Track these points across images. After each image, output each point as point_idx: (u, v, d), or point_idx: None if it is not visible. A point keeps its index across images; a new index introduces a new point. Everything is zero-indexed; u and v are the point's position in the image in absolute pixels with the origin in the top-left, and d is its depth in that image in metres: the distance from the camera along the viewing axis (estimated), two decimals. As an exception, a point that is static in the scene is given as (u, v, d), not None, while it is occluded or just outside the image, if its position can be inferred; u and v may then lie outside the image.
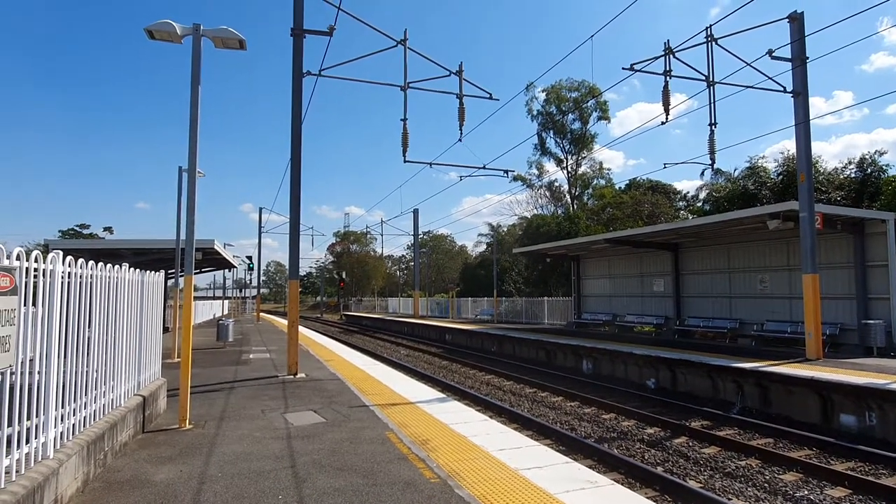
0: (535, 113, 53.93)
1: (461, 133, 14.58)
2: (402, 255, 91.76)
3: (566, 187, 56.23)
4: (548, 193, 57.38)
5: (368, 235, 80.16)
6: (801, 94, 14.11)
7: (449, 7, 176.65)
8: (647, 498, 5.37)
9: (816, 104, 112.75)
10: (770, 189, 28.96)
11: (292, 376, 11.76)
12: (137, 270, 7.08)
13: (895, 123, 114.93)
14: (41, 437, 4.33)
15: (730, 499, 6.97)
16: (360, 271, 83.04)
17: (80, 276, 5.22)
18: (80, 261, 5.19)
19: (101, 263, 5.76)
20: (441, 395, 10.23)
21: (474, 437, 6.77)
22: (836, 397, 10.43)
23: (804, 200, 13.84)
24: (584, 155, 54.18)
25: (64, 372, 4.81)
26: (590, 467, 6.75)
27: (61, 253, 4.71)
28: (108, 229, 66.43)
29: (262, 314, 47.74)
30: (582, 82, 51.99)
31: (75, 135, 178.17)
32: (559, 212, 53.58)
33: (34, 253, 4.24)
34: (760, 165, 31.72)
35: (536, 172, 55.45)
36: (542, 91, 53.01)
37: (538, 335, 22.49)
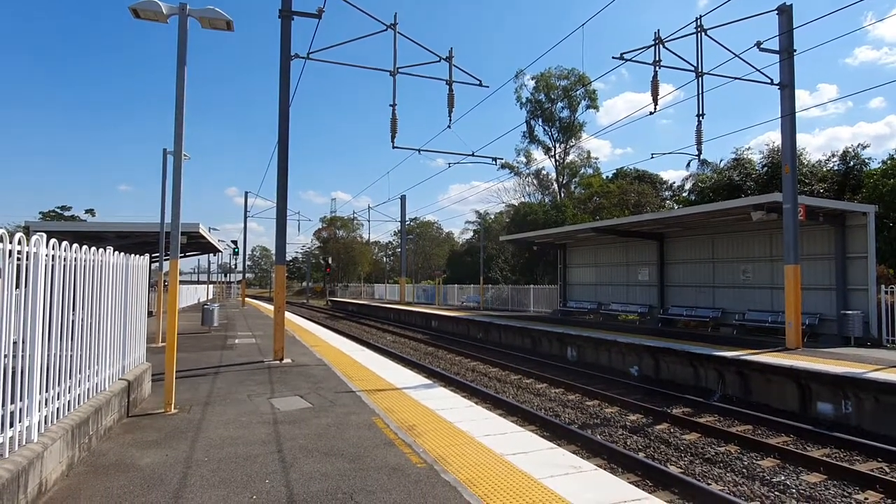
0: (524, 100, 53.89)
1: (450, 120, 14.54)
2: (389, 242, 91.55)
3: (554, 175, 56.37)
4: (535, 181, 57.54)
5: (355, 221, 79.81)
6: (787, 87, 14.23)
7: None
8: (629, 483, 5.47)
9: (801, 97, 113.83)
10: (755, 180, 29.26)
11: (278, 361, 11.74)
12: (122, 254, 7.00)
13: (878, 117, 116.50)
14: (25, 421, 4.30)
15: (709, 484, 7.12)
16: (347, 257, 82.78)
17: (65, 259, 5.16)
18: (65, 243, 5.13)
19: (84, 246, 5.69)
20: (427, 381, 10.30)
21: (460, 422, 6.83)
22: (813, 386, 10.66)
23: (788, 192, 14.01)
24: (572, 143, 54.28)
25: (48, 355, 4.76)
26: (573, 453, 6.86)
27: (45, 235, 4.64)
28: (90, 212, 65.17)
29: (247, 299, 47.51)
30: (571, 70, 52.00)
31: (57, 115, 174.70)
32: (546, 200, 53.75)
33: (17, 235, 4.18)
34: (746, 157, 32.04)
35: (524, 160, 55.58)
36: (532, 79, 52.95)
37: (524, 322, 22.64)
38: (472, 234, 68.40)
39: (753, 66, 14.28)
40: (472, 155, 17.42)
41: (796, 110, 14.25)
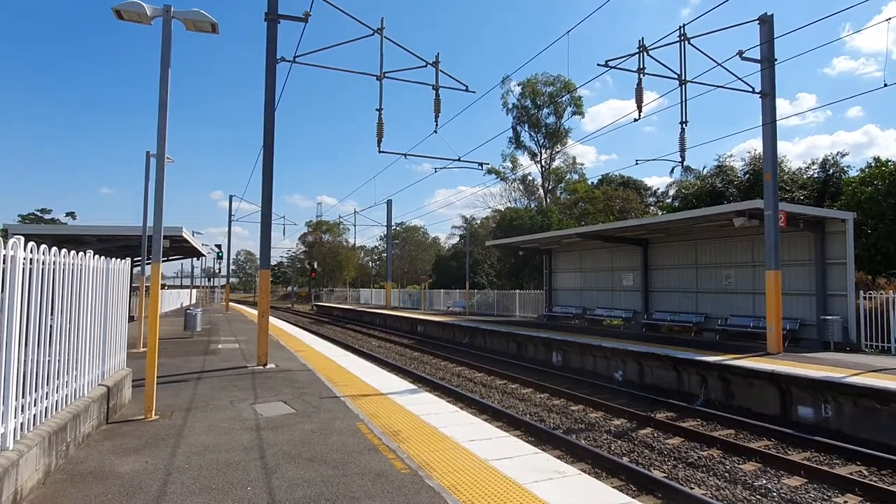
0: (510, 106, 54.27)
1: (437, 124, 14.54)
2: (375, 246, 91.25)
3: (540, 181, 56.70)
4: (521, 187, 57.84)
5: (341, 225, 79.55)
6: (768, 95, 14.45)
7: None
8: (613, 487, 5.49)
9: (781, 105, 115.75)
10: (737, 187, 29.64)
11: (262, 367, 11.64)
12: (102, 258, 6.90)
13: (855, 126, 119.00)
14: (0, 428, 4.21)
15: (692, 488, 7.17)
16: (333, 261, 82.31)
17: (43, 263, 5.07)
18: (43, 247, 5.04)
19: (64, 250, 5.60)
20: (412, 386, 10.26)
21: (445, 427, 6.82)
22: (794, 390, 10.80)
23: (769, 199, 14.22)
24: (557, 149, 54.67)
25: (25, 360, 4.67)
26: (558, 458, 6.87)
27: (23, 238, 4.56)
28: (71, 214, 64.33)
29: (231, 304, 47.07)
30: (557, 77, 52.46)
31: (37, 117, 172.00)
32: (532, 205, 53.98)
33: (-6, 238, 4.10)
34: (728, 164, 32.43)
35: (510, 166, 55.90)
36: (518, 85, 53.30)
37: (509, 327, 22.68)
38: (458, 238, 68.44)
39: (735, 75, 14.50)
40: (459, 160, 17.45)
41: (777, 119, 14.48)
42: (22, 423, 4.61)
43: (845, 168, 28.54)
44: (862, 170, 25.43)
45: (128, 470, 5.17)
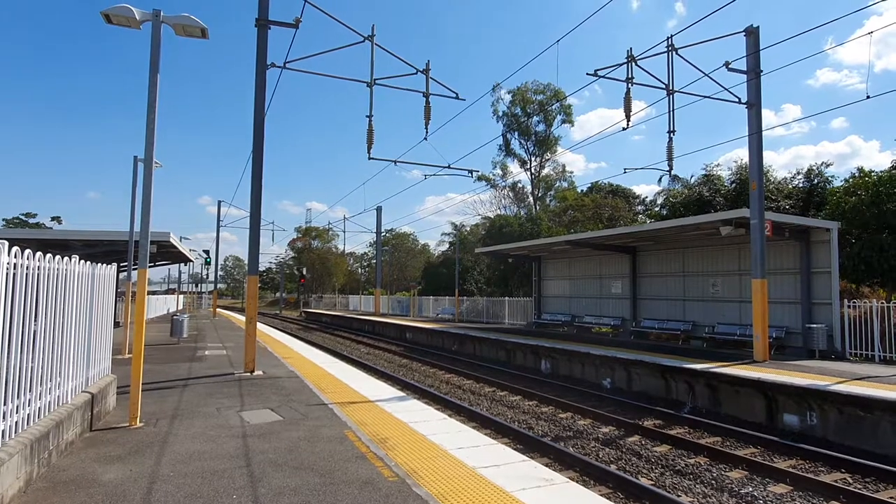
0: (500, 114, 54.46)
1: (427, 132, 14.57)
2: (365, 253, 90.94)
3: (529, 188, 56.91)
4: (511, 194, 58.02)
5: (330, 232, 79.29)
6: (754, 106, 14.65)
7: (416, 6, 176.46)
8: (601, 495, 5.51)
9: (767, 116, 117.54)
10: (724, 196, 29.92)
11: (249, 374, 11.54)
12: (88, 263, 6.83)
13: (839, 137, 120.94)
14: (-20, 436, 4.14)
15: (679, 495, 7.19)
16: (322, 268, 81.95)
17: (27, 268, 5.00)
18: (27, 251, 4.98)
19: (48, 255, 5.54)
20: (401, 393, 10.22)
21: (433, 435, 6.80)
22: (780, 398, 10.89)
23: (755, 208, 14.37)
24: (547, 157, 54.96)
25: (7, 367, 4.60)
26: (546, 465, 6.88)
27: (7, 243, 4.50)
28: (57, 219, 63.65)
29: (218, 310, 46.70)
30: (547, 85, 52.77)
31: (22, 119, 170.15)
32: (522, 213, 54.14)
33: (-23, 243, 4.05)
34: (715, 173, 32.75)
35: (500, 173, 56.05)
36: (508, 93, 53.57)
37: (498, 335, 22.68)
38: (447, 245, 68.42)
39: (722, 86, 14.68)
40: (449, 167, 17.48)
41: (763, 129, 14.67)
42: (3, 431, 4.53)
43: (829, 178, 28.89)
44: (846, 180, 25.74)
45: (111, 478, 5.10)
